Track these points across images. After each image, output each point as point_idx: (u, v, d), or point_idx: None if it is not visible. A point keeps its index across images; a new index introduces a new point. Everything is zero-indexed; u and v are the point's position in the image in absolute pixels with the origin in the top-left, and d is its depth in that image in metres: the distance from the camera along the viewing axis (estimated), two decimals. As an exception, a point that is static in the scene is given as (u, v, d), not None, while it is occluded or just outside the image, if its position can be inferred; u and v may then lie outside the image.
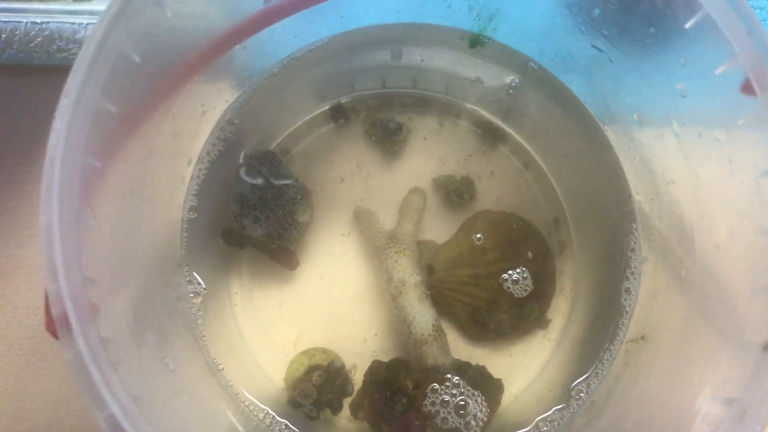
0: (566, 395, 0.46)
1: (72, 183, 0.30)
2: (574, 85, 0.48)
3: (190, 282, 0.46)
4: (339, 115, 0.54)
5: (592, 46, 0.41)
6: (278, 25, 0.41)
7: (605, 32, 0.40)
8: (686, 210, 0.40)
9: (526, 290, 0.49)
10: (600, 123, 0.48)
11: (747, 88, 0.32)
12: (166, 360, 0.36)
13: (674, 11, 0.34)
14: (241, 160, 0.49)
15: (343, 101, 0.54)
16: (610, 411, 0.41)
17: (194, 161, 0.47)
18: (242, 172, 0.49)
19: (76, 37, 0.55)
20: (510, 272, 0.50)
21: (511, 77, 0.51)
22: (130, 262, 0.36)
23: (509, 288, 0.49)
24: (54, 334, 0.30)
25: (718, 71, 0.33)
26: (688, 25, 0.34)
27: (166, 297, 0.42)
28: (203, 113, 0.46)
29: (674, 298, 0.41)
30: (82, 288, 0.29)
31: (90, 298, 0.30)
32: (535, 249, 0.52)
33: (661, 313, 0.42)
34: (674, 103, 0.38)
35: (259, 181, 0.48)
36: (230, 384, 0.45)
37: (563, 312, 0.51)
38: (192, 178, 0.47)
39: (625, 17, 0.38)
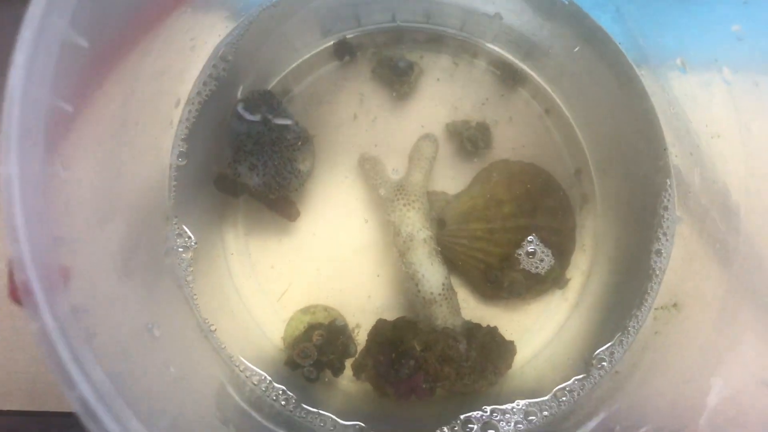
0: (587, 364, 0.43)
1: (35, 129, 0.25)
2: (608, 23, 0.43)
3: (180, 235, 0.42)
4: (344, 51, 0.49)
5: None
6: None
7: (651, -39, 0.35)
8: (732, 167, 0.36)
9: (540, 265, 0.46)
10: (635, 67, 0.43)
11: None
12: (150, 326, 0.33)
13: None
14: (235, 101, 0.44)
15: (348, 36, 0.49)
16: (635, 384, 0.38)
17: (183, 102, 0.42)
18: (237, 114, 0.44)
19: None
20: (524, 244, 0.46)
21: (538, 13, 0.46)
22: (110, 216, 0.32)
23: (522, 260, 0.46)
24: (18, 302, 0.26)
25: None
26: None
27: (152, 253, 0.39)
28: (192, 48, 0.41)
29: (713, 265, 0.37)
30: (50, 250, 0.25)
31: (60, 261, 0.26)
32: (555, 202, 0.48)
33: (696, 280, 0.39)
34: (727, 47, 0.34)
35: (256, 124, 0.44)
36: (223, 346, 0.42)
37: (582, 270, 0.48)
38: (181, 121, 0.42)
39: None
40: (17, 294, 0.26)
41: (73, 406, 0.25)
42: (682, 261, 0.41)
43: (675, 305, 0.40)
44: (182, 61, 0.41)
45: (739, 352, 0.32)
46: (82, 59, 0.28)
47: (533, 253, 0.46)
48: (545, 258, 0.46)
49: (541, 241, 0.47)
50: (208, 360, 0.41)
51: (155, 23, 0.33)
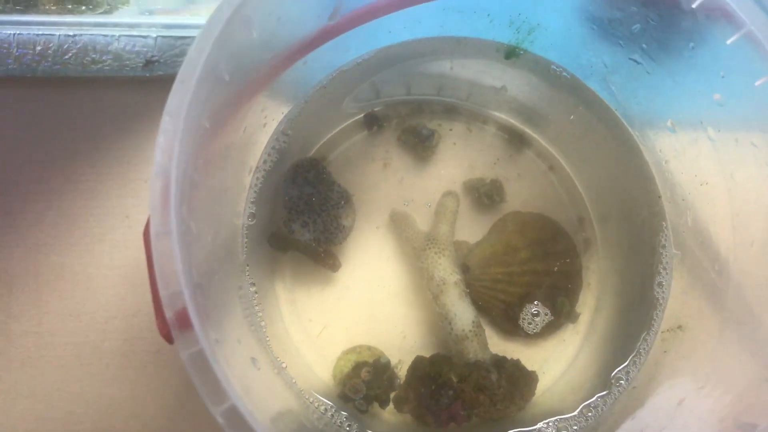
0: (607, 383, 0.49)
1: (182, 194, 0.31)
2: (606, 94, 0.51)
3: (253, 284, 0.48)
4: (372, 122, 0.56)
5: (630, 58, 0.45)
6: (333, 41, 0.44)
7: (644, 46, 0.43)
8: (720, 210, 0.43)
9: (540, 326, 0.52)
10: (630, 128, 0.51)
11: (786, 99, 0.36)
12: (254, 360, 0.38)
13: (716, 28, 0.37)
14: (288, 168, 0.51)
15: (375, 110, 0.56)
16: (652, 395, 0.44)
17: (253, 170, 0.49)
18: (290, 179, 0.51)
19: (109, 48, 0.56)
20: (528, 307, 0.53)
21: (540, 86, 0.54)
22: (216, 267, 0.38)
23: (523, 323, 0.52)
24: (167, 338, 0.32)
25: (757, 83, 0.37)
26: (729, 42, 0.37)
27: (236, 301, 0.44)
28: (264, 125, 0.48)
29: (710, 291, 0.44)
30: (196, 292, 0.31)
31: (201, 302, 0.31)
32: (562, 247, 0.55)
33: (697, 305, 0.46)
34: (710, 111, 0.42)
35: (306, 187, 0.51)
36: (294, 381, 0.47)
37: (590, 306, 0.54)
38: (251, 186, 0.49)
39: (665, 33, 0.41)
40: (167, 330, 0.32)
41: (220, 421, 0.30)
42: (681, 290, 0.48)
43: (680, 327, 0.47)
44: (257, 135, 0.47)
45: (744, 362, 0.38)
46: (206, 138, 0.34)
47: (536, 314, 0.53)
48: (543, 318, 0.52)
49: (546, 299, 0.53)
50: (285, 392, 0.46)
51: (245, 106, 0.40)
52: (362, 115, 0.56)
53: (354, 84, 0.53)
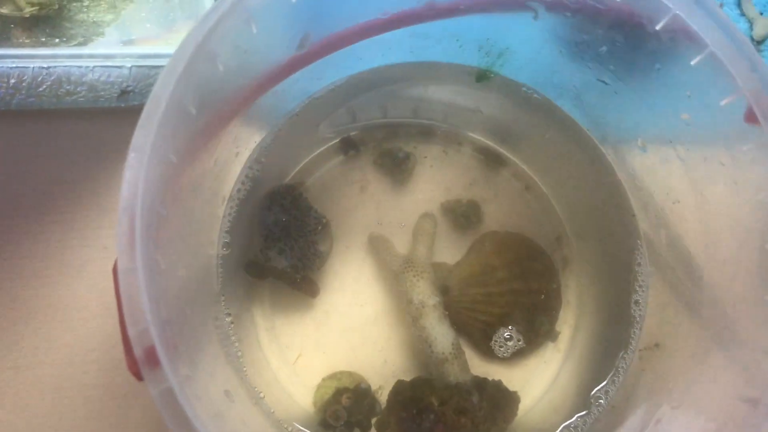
0: (586, 402, 0.49)
1: (148, 228, 0.31)
2: (577, 114, 0.51)
3: (228, 314, 0.48)
4: (348, 146, 0.56)
5: (598, 80, 0.45)
6: (304, 69, 0.44)
7: (612, 67, 0.44)
8: (692, 226, 0.44)
9: (513, 349, 0.52)
10: (602, 148, 0.52)
11: (750, 118, 0.36)
12: (227, 391, 0.38)
13: (680, 49, 0.38)
14: (264, 195, 0.51)
15: (351, 134, 0.56)
16: (631, 415, 0.44)
17: (226, 199, 0.49)
18: (266, 207, 0.51)
19: (84, 79, 0.56)
20: (501, 330, 0.53)
21: (512, 108, 0.55)
22: (190, 301, 0.38)
23: (498, 348, 0.52)
24: (137, 375, 0.32)
25: (722, 103, 0.37)
26: (693, 62, 0.37)
27: (211, 331, 0.44)
28: (237, 154, 0.48)
29: (684, 309, 0.45)
30: (164, 329, 0.31)
31: (170, 338, 0.31)
32: (541, 266, 0.55)
33: (672, 322, 0.46)
34: (679, 131, 0.42)
35: (282, 214, 0.51)
36: (272, 411, 0.47)
37: (570, 324, 0.55)
38: (224, 215, 0.49)
39: (631, 54, 0.41)
40: (136, 368, 0.32)
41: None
42: (658, 307, 0.48)
43: (657, 345, 0.47)
44: (229, 165, 0.47)
45: (720, 378, 0.39)
46: (172, 172, 0.34)
47: (510, 339, 0.53)
48: (516, 344, 0.52)
49: (525, 318, 0.53)
50: (264, 424, 0.46)
51: (215, 137, 0.40)
52: (338, 140, 0.56)
53: (328, 110, 0.54)
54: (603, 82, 0.45)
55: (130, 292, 0.31)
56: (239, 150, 0.48)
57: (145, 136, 0.32)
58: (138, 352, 0.31)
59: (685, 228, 0.45)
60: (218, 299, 0.47)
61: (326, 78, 0.50)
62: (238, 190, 0.50)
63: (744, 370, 0.37)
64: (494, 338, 0.52)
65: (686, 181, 0.43)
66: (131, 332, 0.31)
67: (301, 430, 0.48)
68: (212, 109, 0.37)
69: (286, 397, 0.50)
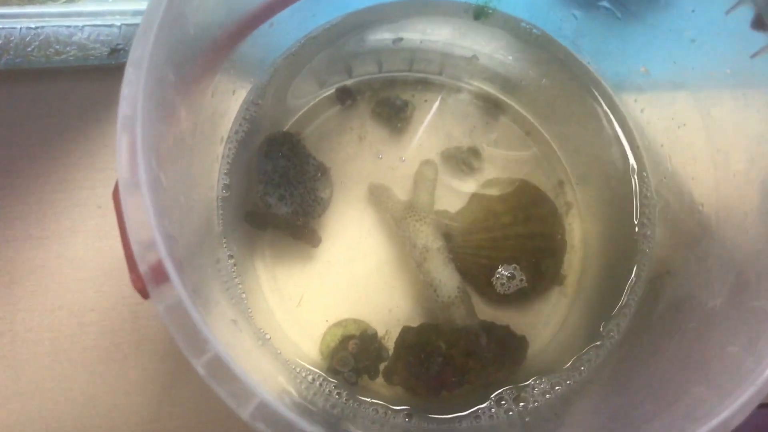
0: (598, 335, 0.48)
1: (149, 146, 0.30)
2: (577, 48, 0.51)
3: (231, 256, 0.47)
4: (345, 96, 0.55)
5: (600, 4, 0.44)
6: (299, 5, 0.43)
7: (612, -10, 0.43)
8: (700, 148, 0.43)
9: (512, 289, 0.51)
10: (603, 82, 0.51)
11: (758, 24, 0.35)
12: (234, 320, 0.37)
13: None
14: (262, 142, 0.50)
15: (348, 83, 0.55)
16: (647, 344, 0.44)
17: (224, 140, 0.48)
18: (263, 153, 0.50)
19: (73, 39, 0.55)
20: (500, 270, 0.52)
21: (511, 49, 0.54)
22: (188, 224, 0.37)
23: (500, 285, 0.52)
24: (142, 292, 0.31)
25: (728, 12, 0.36)
26: (697, -27, 0.37)
27: (213, 271, 0.43)
28: (233, 92, 0.47)
29: (695, 232, 0.44)
30: (171, 241, 0.30)
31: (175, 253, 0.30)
32: (544, 210, 0.55)
33: (685, 249, 0.45)
34: (683, 50, 0.41)
35: (281, 160, 0.50)
36: (279, 352, 0.46)
37: (575, 267, 0.54)
38: (224, 156, 0.48)
39: (633, -27, 0.41)
40: (141, 284, 0.31)
41: (201, 372, 0.29)
42: (668, 236, 0.48)
43: (668, 272, 0.46)
44: (227, 104, 0.46)
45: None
46: (170, 90, 0.33)
47: (512, 277, 0.52)
48: (518, 283, 0.51)
49: (531, 263, 0.52)
50: (269, 361, 0.44)
51: (213, 67, 0.39)
52: (333, 89, 0.55)
53: (324, 53, 0.53)
54: (604, 7, 0.44)
55: (134, 205, 0.29)
56: (235, 88, 0.47)
57: (142, 50, 0.31)
58: (143, 267, 0.30)
59: (693, 150, 0.44)
60: (220, 241, 0.46)
61: (321, 17, 0.49)
62: (236, 132, 0.48)
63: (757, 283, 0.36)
64: (496, 275, 0.51)
65: (692, 103, 0.43)
66: (135, 248, 0.30)
67: (308, 369, 0.47)
68: (208, 34, 0.36)
69: (291, 345, 0.49)
